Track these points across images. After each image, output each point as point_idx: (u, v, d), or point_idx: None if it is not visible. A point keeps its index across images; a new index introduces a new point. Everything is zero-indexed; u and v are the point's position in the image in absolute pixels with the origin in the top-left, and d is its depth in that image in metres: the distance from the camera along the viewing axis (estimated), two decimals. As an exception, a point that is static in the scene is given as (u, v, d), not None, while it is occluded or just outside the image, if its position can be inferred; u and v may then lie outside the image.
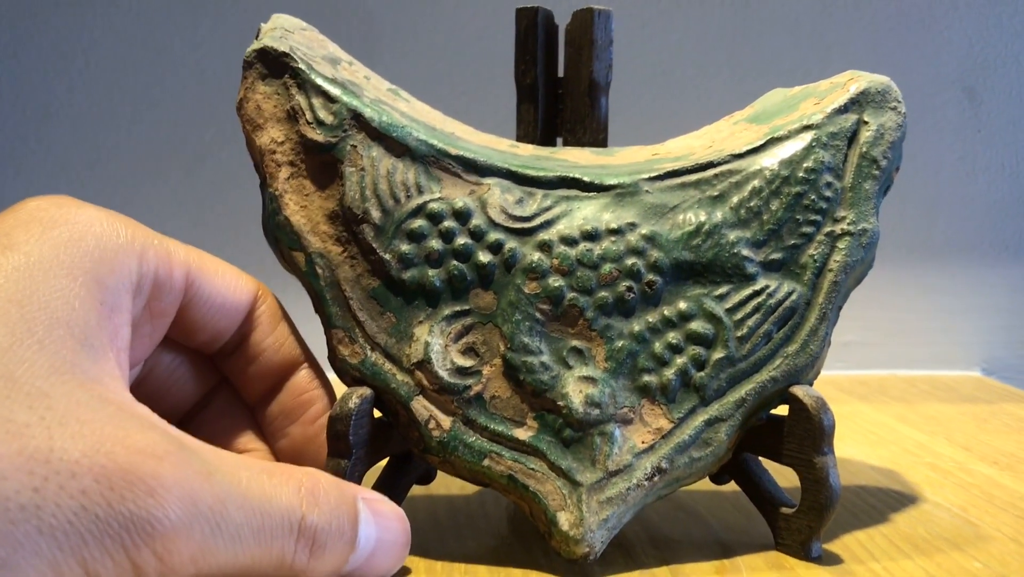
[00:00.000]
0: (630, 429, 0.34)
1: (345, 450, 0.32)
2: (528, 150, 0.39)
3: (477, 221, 0.34)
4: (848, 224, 0.36)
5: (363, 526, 0.29)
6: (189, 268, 0.31)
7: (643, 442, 0.34)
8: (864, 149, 0.36)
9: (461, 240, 0.34)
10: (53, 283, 0.26)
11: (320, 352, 0.35)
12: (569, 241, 0.34)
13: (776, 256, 0.35)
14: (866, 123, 0.36)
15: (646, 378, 0.34)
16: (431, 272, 0.34)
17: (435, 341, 0.34)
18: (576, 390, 0.33)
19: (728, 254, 0.35)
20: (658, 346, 0.34)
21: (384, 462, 0.37)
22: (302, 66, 0.34)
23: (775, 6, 0.72)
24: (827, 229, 0.35)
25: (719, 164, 0.36)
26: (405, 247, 0.34)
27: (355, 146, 0.34)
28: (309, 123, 0.34)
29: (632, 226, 0.35)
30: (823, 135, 0.36)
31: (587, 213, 0.35)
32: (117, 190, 0.71)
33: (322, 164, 0.34)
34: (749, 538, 0.37)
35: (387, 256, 0.34)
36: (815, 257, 0.35)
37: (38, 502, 0.22)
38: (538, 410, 0.34)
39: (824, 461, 0.34)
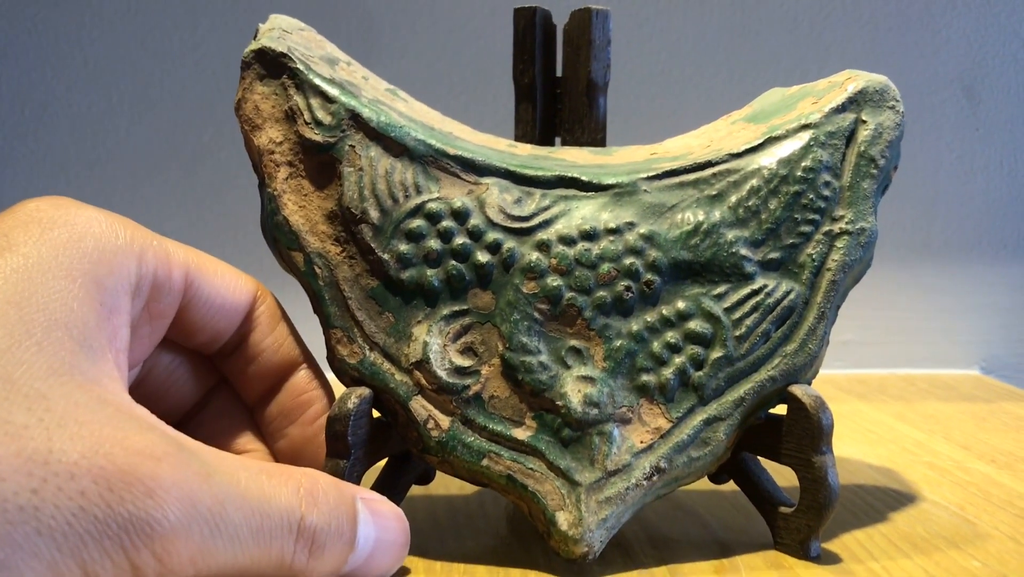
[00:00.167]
0: (629, 429, 0.34)
1: (344, 450, 0.32)
2: (526, 150, 0.39)
3: (475, 221, 0.34)
4: (846, 223, 0.36)
5: (362, 526, 0.29)
6: (188, 269, 0.31)
7: (642, 442, 0.34)
8: (862, 148, 0.36)
9: (459, 240, 0.34)
10: (52, 284, 0.26)
11: (319, 352, 0.35)
12: (567, 241, 0.34)
13: (774, 255, 0.35)
14: (864, 122, 0.36)
15: (644, 378, 0.34)
16: (429, 272, 0.34)
17: (434, 341, 0.34)
18: (575, 390, 0.33)
19: (726, 253, 0.35)
20: (656, 346, 0.34)
21: (383, 462, 0.37)
22: (300, 66, 0.34)
23: (773, 5, 0.72)
24: (825, 228, 0.35)
25: (717, 163, 0.36)
26: (403, 247, 0.34)
27: (353, 146, 0.34)
28: (307, 123, 0.34)
29: (630, 225, 0.35)
30: (821, 134, 0.36)
31: (585, 213, 0.35)
32: (116, 190, 0.71)
33: (320, 164, 0.34)
34: (748, 537, 0.37)
35: (385, 256, 0.34)
36: (813, 256, 0.35)
37: (37, 503, 0.22)
38: (537, 410, 0.34)
39: (823, 460, 0.34)
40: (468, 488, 0.43)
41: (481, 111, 0.71)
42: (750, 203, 0.35)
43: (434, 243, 0.34)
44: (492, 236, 0.34)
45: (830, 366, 0.74)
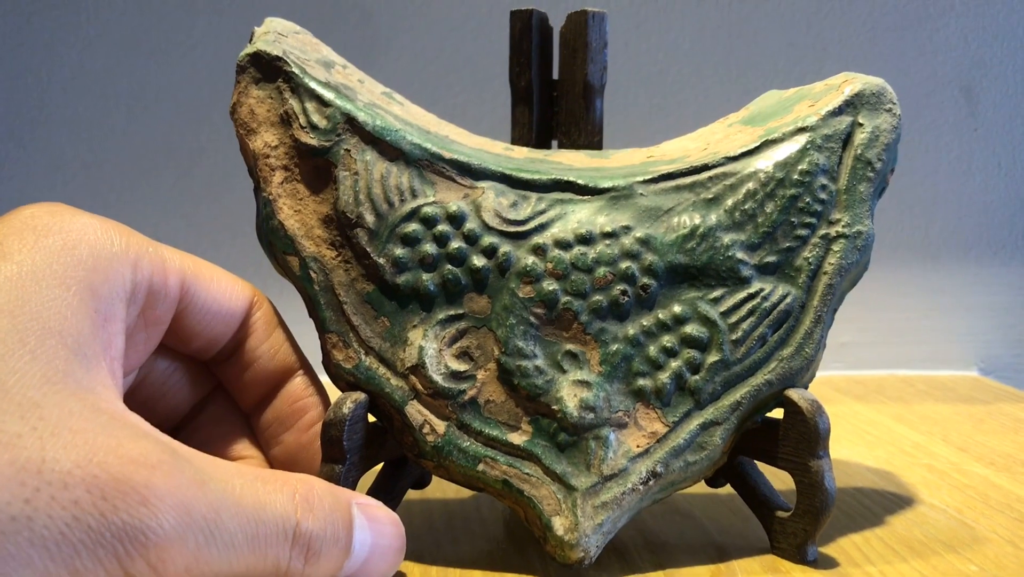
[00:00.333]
0: (625, 433, 0.34)
1: (339, 455, 0.32)
2: (523, 153, 0.38)
3: (471, 225, 0.34)
4: (843, 226, 0.35)
5: (358, 532, 0.29)
6: (184, 275, 0.31)
7: (638, 446, 0.34)
8: (859, 151, 0.36)
9: (455, 244, 0.34)
10: (46, 292, 0.26)
11: (315, 357, 0.35)
12: (563, 245, 0.34)
13: (771, 259, 0.35)
14: (861, 125, 0.36)
15: (641, 382, 0.34)
16: (425, 276, 0.34)
17: (429, 345, 0.34)
18: (571, 394, 0.33)
19: (723, 257, 0.35)
20: (653, 350, 0.34)
21: (379, 467, 0.37)
22: (295, 70, 0.34)
23: (770, 8, 0.72)
24: (822, 232, 0.35)
25: (714, 167, 0.36)
26: (399, 251, 0.34)
27: (349, 150, 0.34)
28: (303, 127, 0.34)
29: (626, 229, 0.35)
30: (817, 137, 0.36)
31: (581, 216, 0.35)
32: (111, 193, 0.71)
33: (316, 168, 0.34)
34: (745, 542, 0.37)
35: (381, 260, 0.34)
36: (810, 260, 0.35)
37: (29, 513, 0.22)
38: (533, 414, 0.34)
39: (819, 464, 0.34)
40: (464, 493, 0.43)
41: (477, 114, 0.71)
42: (746, 207, 0.35)
43: (430, 247, 0.34)
44: (488, 240, 0.34)
45: (828, 367, 0.74)
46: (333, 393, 0.34)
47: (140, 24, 0.70)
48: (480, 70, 0.71)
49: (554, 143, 0.45)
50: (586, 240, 0.34)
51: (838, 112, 0.36)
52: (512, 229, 0.34)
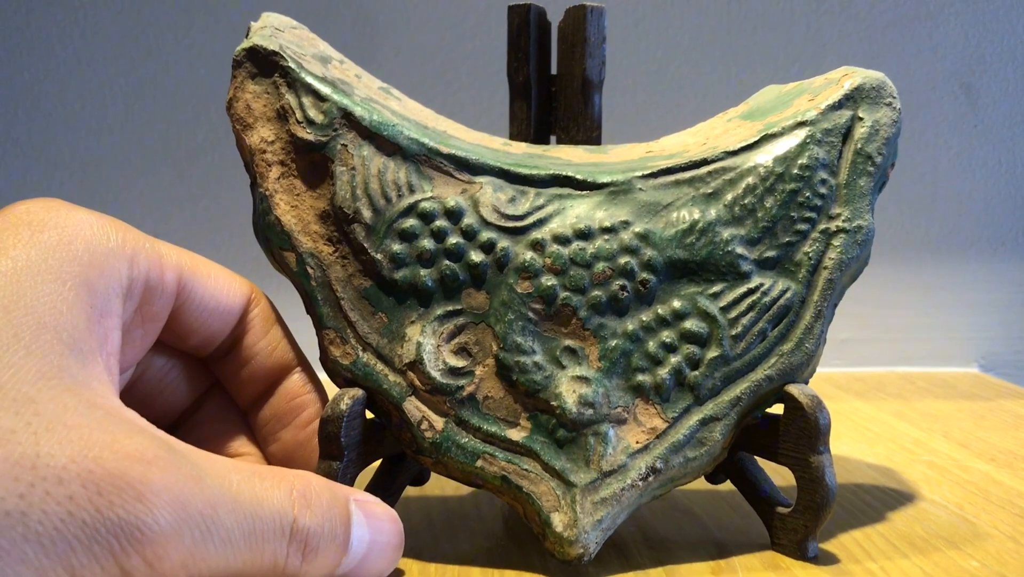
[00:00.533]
0: (624, 429, 0.33)
1: (337, 452, 0.32)
2: (521, 148, 0.38)
3: (469, 220, 0.34)
4: (843, 221, 0.35)
5: (356, 529, 0.28)
6: (181, 271, 0.31)
7: (637, 442, 0.33)
8: (859, 145, 0.36)
9: (453, 239, 0.34)
10: (41, 288, 0.26)
11: (312, 353, 0.35)
12: (562, 240, 0.34)
13: (771, 254, 0.35)
14: (861, 119, 0.36)
15: (640, 377, 0.34)
16: (423, 272, 0.34)
17: (427, 341, 0.33)
18: (569, 390, 0.33)
19: (722, 252, 0.35)
20: (652, 345, 0.34)
21: (377, 463, 0.37)
22: (292, 65, 0.34)
23: (769, 2, 0.72)
24: (822, 226, 0.35)
25: (713, 161, 0.36)
26: (397, 247, 0.34)
27: (345, 145, 0.34)
28: (299, 122, 0.33)
29: (625, 224, 0.35)
30: (817, 131, 0.36)
31: (580, 211, 0.35)
32: (109, 190, 0.70)
33: (312, 163, 0.34)
34: (745, 538, 0.37)
35: (378, 256, 0.33)
36: (810, 255, 0.35)
37: (24, 509, 0.21)
38: (531, 410, 0.33)
39: (820, 460, 0.34)
40: (463, 489, 0.43)
41: (476, 109, 0.71)
42: (746, 201, 0.35)
43: (427, 243, 0.34)
44: (486, 235, 0.34)
45: (828, 364, 0.73)
46: (331, 390, 0.34)
47: (137, 21, 0.69)
48: (478, 65, 0.71)
49: (552, 138, 0.45)
50: (585, 235, 0.34)
51: (838, 106, 0.36)
52: (510, 224, 0.34)
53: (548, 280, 0.34)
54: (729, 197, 0.35)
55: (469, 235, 0.34)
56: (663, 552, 0.35)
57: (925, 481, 0.45)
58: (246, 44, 0.34)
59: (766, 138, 0.36)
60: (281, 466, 0.34)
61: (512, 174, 0.35)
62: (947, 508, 0.41)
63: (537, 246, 0.34)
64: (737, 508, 0.40)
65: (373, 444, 0.35)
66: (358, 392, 0.33)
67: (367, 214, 0.33)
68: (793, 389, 0.34)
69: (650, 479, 0.33)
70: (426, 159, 0.34)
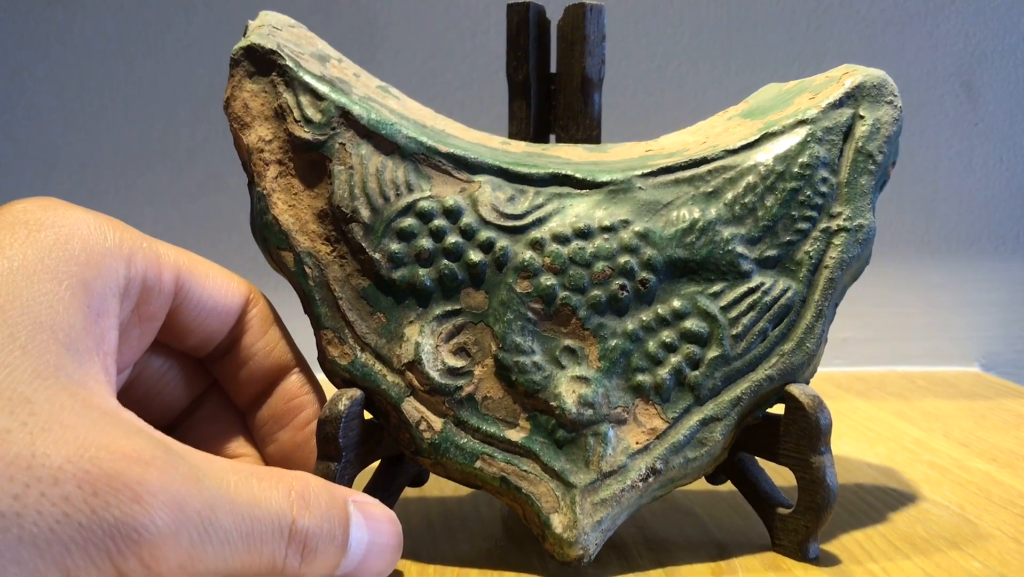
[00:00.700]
0: (624, 429, 0.33)
1: (335, 453, 0.32)
2: (520, 147, 0.38)
3: (468, 219, 0.34)
4: (844, 220, 0.35)
5: (354, 530, 0.28)
6: (179, 271, 0.31)
7: (637, 443, 0.33)
8: (860, 144, 0.36)
9: (452, 239, 0.34)
10: (37, 287, 0.25)
11: (310, 353, 0.35)
12: (561, 239, 0.34)
13: (771, 253, 0.35)
14: (862, 117, 0.36)
15: (640, 377, 0.34)
16: (421, 271, 0.33)
17: (426, 341, 0.33)
18: (569, 390, 0.33)
19: (722, 251, 0.34)
20: (652, 345, 0.34)
21: (375, 464, 0.37)
22: (289, 63, 0.34)
23: (769, 1, 0.71)
24: (823, 225, 0.35)
25: (713, 160, 0.35)
26: (395, 246, 0.33)
27: (344, 144, 0.33)
28: (297, 121, 0.33)
29: (625, 223, 0.34)
30: (818, 130, 0.35)
31: (579, 210, 0.34)
32: (107, 189, 0.70)
33: (310, 162, 0.34)
34: (746, 539, 0.37)
35: (377, 255, 0.33)
36: (811, 254, 0.35)
37: (18, 509, 0.21)
38: (531, 411, 0.33)
39: (821, 460, 0.33)
40: (462, 490, 0.43)
41: (475, 108, 0.70)
42: (746, 200, 0.35)
43: (426, 242, 0.33)
44: (485, 235, 0.34)
45: (829, 363, 0.73)
46: (329, 390, 0.34)
47: (135, 20, 0.69)
48: (477, 64, 0.70)
49: (552, 137, 0.45)
50: (584, 234, 0.34)
51: (839, 104, 0.36)
52: (509, 223, 0.34)
53: (547, 279, 0.33)
54: (729, 196, 0.35)
55: (468, 234, 0.34)
56: (663, 553, 0.35)
57: (926, 481, 0.45)
58: (244, 43, 0.34)
59: (766, 136, 0.36)
60: (279, 467, 0.34)
61: (511, 173, 0.35)
62: (948, 508, 0.41)
63: (536, 245, 0.34)
64: (738, 509, 0.40)
65: (371, 445, 0.34)
66: (356, 392, 0.33)
67: (365, 213, 0.33)
68: (794, 389, 0.34)
69: (650, 480, 0.33)
70: (424, 158, 0.34)
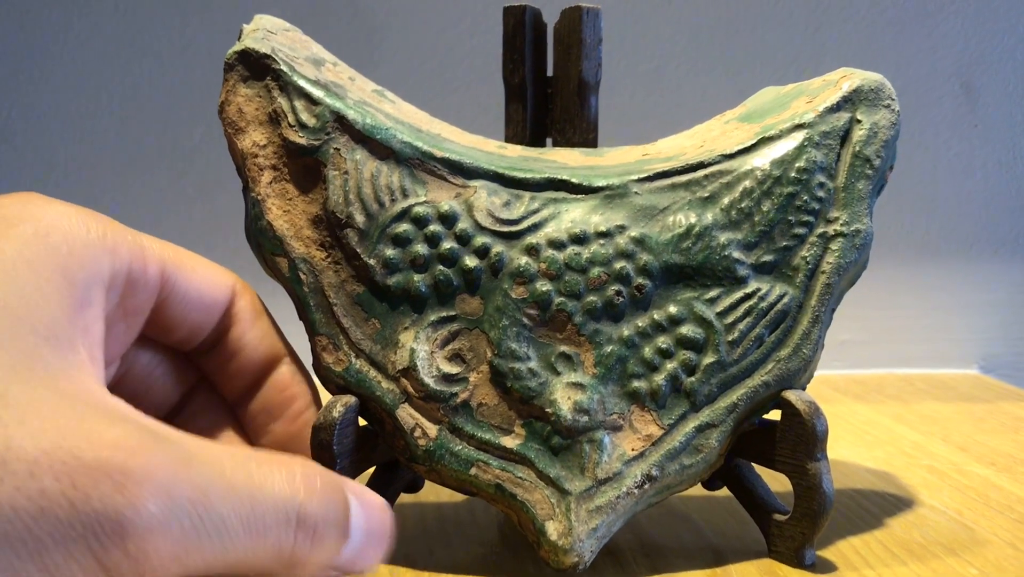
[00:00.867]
0: (620, 436, 0.33)
1: (329, 460, 0.32)
2: (516, 151, 0.38)
3: (463, 225, 0.34)
4: (841, 225, 0.35)
5: (353, 516, 0.28)
6: (164, 264, 0.31)
7: (633, 449, 0.33)
8: (857, 148, 0.35)
9: (447, 244, 0.33)
10: (15, 280, 0.25)
11: (304, 359, 0.35)
12: (557, 244, 0.34)
13: (768, 258, 0.35)
14: (859, 122, 0.36)
15: (636, 384, 0.33)
16: (416, 277, 0.33)
17: (421, 348, 0.33)
18: (564, 396, 0.33)
19: (719, 257, 0.34)
20: (648, 351, 0.34)
21: (370, 471, 0.37)
22: (284, 68, 0.33)
23: (767, 3, 0.71)
24: (820, 230, 0.35)
25: (710, 164, 0.35)
26: (390, 252, 0.33)
27: (338, 149, 0.33)
28: (291, 126, 0.33)
29: (621, 228, 0.34)
30: (815, 134, 0.35)
31: (575, 216, 0.34)
32: (105, 191, 0.70)
33: (305, 168, 0.33)
34: (742, 545, 0.37)
35: (371, 261, 0.33)
36: (807, 259, 0.35)
37: None
38: (526, 417, 0.33)
39: (817, 467, 0.33)
40: (458, 496, 0.42)
41: (471, 112, 0.70)
42: (743, 205, 0.35)
43: (421, 248, 0.33)
44: (480, 240, 0.33)
45: (827, 366, 0.73)
46: (324, 397, 0.34)
47: (132, 23, 0.69)
48: (473, 67, 0.70)
49: (548, 141, 0.45)
50: (580, 240, 0.34)
51: (836, 108, 0.36)
52: (505, 229, 0.34)
53: (543, 285, 0.33)
54: (726, 201, 0.35)
55: (463, 240, 0.33)
56: (659, 559, 0.35)
57: (924, 486, 0.44)
58: (238, 47, 0.34)
59: (763, 141, 0.36)
60: None
61: (507, 178, 0.35)
62: (946, 514, 0.41)
63: (532, 251, 0.34)
64: (734, 515, 0.40)
65: (366, 452, 0.34)
66: (351, 399, 0.33)
67: (360, 219, 0.33)
68: (790, 395, 0.34)
69: (646, 486, 0.33)
70: (420, 163, 0.34)
